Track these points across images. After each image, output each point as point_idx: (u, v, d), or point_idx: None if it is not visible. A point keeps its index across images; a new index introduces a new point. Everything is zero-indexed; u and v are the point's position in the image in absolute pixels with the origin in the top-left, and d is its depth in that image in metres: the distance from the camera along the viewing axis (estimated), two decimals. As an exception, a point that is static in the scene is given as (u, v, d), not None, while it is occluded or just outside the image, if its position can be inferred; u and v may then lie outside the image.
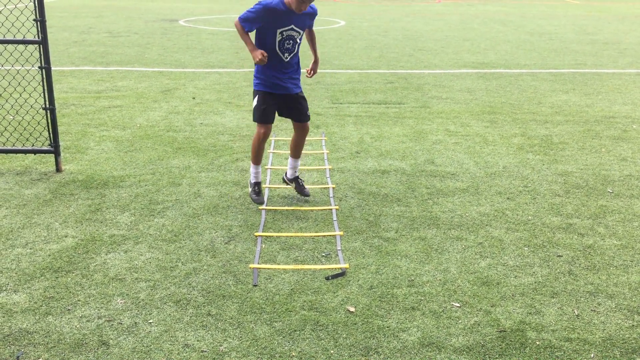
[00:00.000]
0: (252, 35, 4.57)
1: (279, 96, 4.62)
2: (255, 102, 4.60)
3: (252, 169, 4.85)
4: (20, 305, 3.38)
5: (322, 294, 3.55)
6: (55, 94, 8.16)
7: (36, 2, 5.07)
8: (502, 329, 3.23)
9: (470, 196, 5.05)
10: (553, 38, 15.78)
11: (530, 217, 4.64)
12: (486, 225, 4.50)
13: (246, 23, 4.38)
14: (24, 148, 5.61)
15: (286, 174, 5.04)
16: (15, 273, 3.72)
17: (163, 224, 4.44)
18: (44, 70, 5.29)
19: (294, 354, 3.01)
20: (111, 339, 3.10)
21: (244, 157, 5.94)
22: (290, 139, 4.97)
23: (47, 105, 5.39)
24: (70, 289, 3.55)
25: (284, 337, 3.14)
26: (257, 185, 4.86)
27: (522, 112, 7.93)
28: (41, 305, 3.38)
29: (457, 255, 4.04)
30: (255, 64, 4.51)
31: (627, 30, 17.84)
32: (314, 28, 4.85)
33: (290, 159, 4.95)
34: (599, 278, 3.77)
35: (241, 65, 11.23)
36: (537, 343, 3.11)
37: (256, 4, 4.38)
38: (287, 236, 4.29)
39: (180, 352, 3.01)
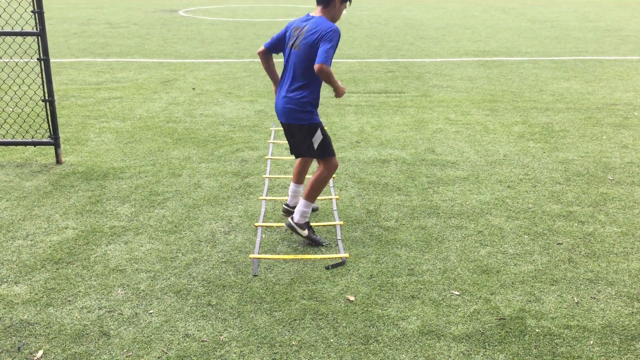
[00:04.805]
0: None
1: None
2: (321, 136, 3.96)
3: (308, 207, 4.04)
4: (21, 297, 3.39)
5: (322, 283, 3.55)
6: (55, 86, 8.19)
7: (34, -6, 5.05)
8: (502, 317, 3.23)
9: (470, 185, 5.04)
10: (554, 25, 15.71)
11: (530, 205, 4.64)
12: (486, 213, 4.50)
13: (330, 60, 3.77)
14: (23, 140, 5.61)
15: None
16: (16, 265, 3.73)
17: (163, 215, 4.44)
18: (42, 62, 5.28)
19: (294, 343, 3.02)
20: (112, 329, 3.11)
21: (244, 147, 5.93)
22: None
23: (47, 97, 5.38)
24: (71, 280, 3.56)
25: (284, 326, 3.15)
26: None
27: (523, 100, 7.90)
28: (42, 297, 3.39)
29: (457, 244, 4.04)
30: (315, 97, 3.94)
31: (629, 17, 17.74)
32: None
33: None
34: (599, 265, 3.77)
35: (241, 56, 11.19)
36: (537, 330, 3.12)
37: (331, 32, 3.72)
38: (287, 226, 4.28)
39: (180, 342, 3.02)
